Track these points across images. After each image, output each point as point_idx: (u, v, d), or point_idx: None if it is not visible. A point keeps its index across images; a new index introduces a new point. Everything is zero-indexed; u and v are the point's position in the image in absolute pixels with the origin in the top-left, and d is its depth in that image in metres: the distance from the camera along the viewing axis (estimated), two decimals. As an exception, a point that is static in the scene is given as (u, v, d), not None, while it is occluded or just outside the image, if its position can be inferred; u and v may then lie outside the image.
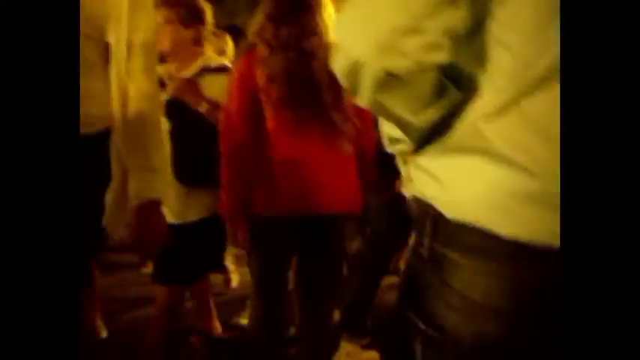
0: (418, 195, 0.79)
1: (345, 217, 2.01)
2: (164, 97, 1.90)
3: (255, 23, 1.88)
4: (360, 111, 1.89)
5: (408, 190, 0.85)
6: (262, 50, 1.83)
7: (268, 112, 1.84)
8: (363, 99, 0.73)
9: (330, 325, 2.10)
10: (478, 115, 0.70)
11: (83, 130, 0.88)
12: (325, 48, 1.79)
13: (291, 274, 2.09)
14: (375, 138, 1.87)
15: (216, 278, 2.96)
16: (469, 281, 0.70)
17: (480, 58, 0.71)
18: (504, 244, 0.68)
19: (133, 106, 1.25)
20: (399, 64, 0.67)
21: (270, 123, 1.85)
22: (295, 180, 1.86)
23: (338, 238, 2.01)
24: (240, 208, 1.90)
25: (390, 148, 0.88)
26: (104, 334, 2.51)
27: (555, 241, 0.64)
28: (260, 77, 1.82)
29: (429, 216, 0.75)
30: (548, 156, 0.66)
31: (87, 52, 1.17)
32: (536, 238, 0.66)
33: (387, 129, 0.85)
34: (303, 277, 2.04)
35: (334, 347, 2.42)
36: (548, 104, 0.66)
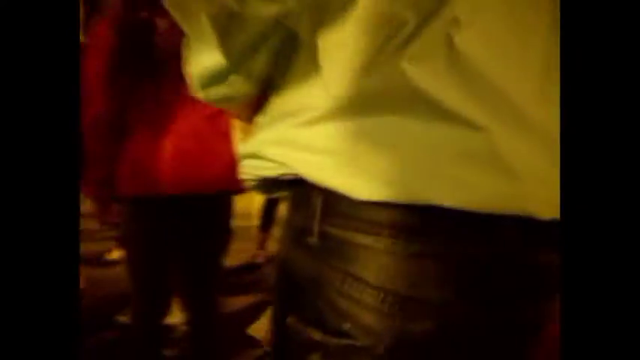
0: (289, 176, 0.62)
1: (224, 195, 1.84)
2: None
3: None
4: None
5: (255, 171, 0.67)
6: (117, 11, 1.67)
7: (126, 80, 1.67)
8: None
9: (219, 315, 1.95)
10: (402, 56, 0.54)
11: None
12: None
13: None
14: None
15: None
16: (388, 269, 0.55)
17: None
18: (437, 218, 0.54)
19: None
20: None
21: (129, 92, 1.67)
22: (161, 156, 1.68)
23: (219, 219, 1.85)
24: (105, 187, 1.73)
25: (203, 94, 0.66)
26: None
27: (505, 207, 0.54)
28: (114, 41, 1.66)
29: (316, 196, 0.59)
30: (491, 103, 0.54)
31: None
32: (484, 205, 0.54)
33: (203, 58, 0.62)
34: (184, 266, 1.87)
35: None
36: (484, 38, 0.54)
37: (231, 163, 1.71)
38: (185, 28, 0.62)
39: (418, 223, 0.55)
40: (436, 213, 0.54)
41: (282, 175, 0.62)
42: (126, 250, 1.84)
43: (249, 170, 0.68)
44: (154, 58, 1.62)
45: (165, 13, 1.50)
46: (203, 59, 0.62)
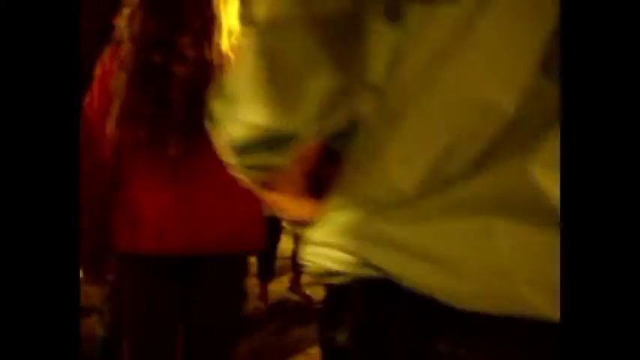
0: (362, 273, 0.55)
1: (239, 257, 1.60)
2: None
3: (125, 13, 1.52)
4: None
5: (323, 261, 0.59)
6: (125, 47, 1.46)
7: (136, 126, 1.44)
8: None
9: None
10: (530, 157, 0.49)
11: None
12: (199, 48, 1.41)
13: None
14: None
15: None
16: None
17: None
18: (542, 332, 0.49)
19: None
20: None
21: (130, 137, 1.46)
22: (167, 209, 1.45)
23: (231, 283, 1.59)
24: (98, 239, 1.50)
25: (237, 159, 0.60)
26: None
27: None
28: (118, 80, 1.46)
29: (401, 299, 0.53)
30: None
31: None
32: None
33: (258, 118, 0.54)
34: (190, 336, 1.59)
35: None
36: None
37: (253, 219, 1.54)
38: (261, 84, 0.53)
39: (523, 338, 0.50)
40: (542, 327, 0.49)
41: (360, 273, 0.55)
42: (120, 314, 1.60)
43: (315, 259, 0.60)
44: (168, 106, 1.43)
45: (182, 60, 1.40)
46: (257, 119, 0.54)
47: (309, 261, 0.62)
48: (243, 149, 0.58)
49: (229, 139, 0.58)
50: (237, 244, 1.53)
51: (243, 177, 0.62)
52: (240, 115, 0.55)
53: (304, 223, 0.63)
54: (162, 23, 1.44)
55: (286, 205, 0.66)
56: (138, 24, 1.45)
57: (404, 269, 0.52)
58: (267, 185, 0.64)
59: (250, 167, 0.60)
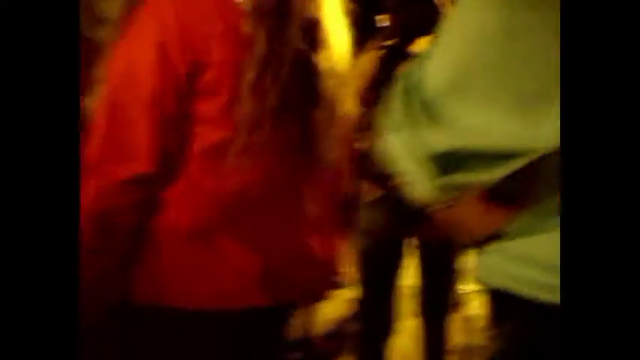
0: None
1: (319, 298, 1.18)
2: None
3: None
4: None
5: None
6: (248, 24, 0.92)
7: (256, 164, 0.93)
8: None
9: None
10: None
11: None
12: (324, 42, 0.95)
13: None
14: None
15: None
16: None
17: None
18: None
19: None
20: None
21: (255, 181, 0.95)
22: (219, 250, 0.98)
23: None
24: (111, 296, 0.97)
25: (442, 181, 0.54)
26: None
27: None
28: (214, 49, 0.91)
29: None
30: None
31: None
32: None
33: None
34: None
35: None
36: None
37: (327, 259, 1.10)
38: None
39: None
40: None
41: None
42: None
43: (498, 278, 0.65)
44: (313, 126, 0.98)
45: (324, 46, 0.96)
46: (491, 125, 0.51)
47: (486, 277, 0.62)
48: (449, 165, 0.52)
49: (431, 150, 0.53)
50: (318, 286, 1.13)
51: (433, 199, 0.57)
52: (465, 121, 0.50)
53: (487, 239, 0.60)
54: None
55: (473, 221, 0.60)
56: None
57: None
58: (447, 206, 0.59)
59: (450, 187, 0.55)
